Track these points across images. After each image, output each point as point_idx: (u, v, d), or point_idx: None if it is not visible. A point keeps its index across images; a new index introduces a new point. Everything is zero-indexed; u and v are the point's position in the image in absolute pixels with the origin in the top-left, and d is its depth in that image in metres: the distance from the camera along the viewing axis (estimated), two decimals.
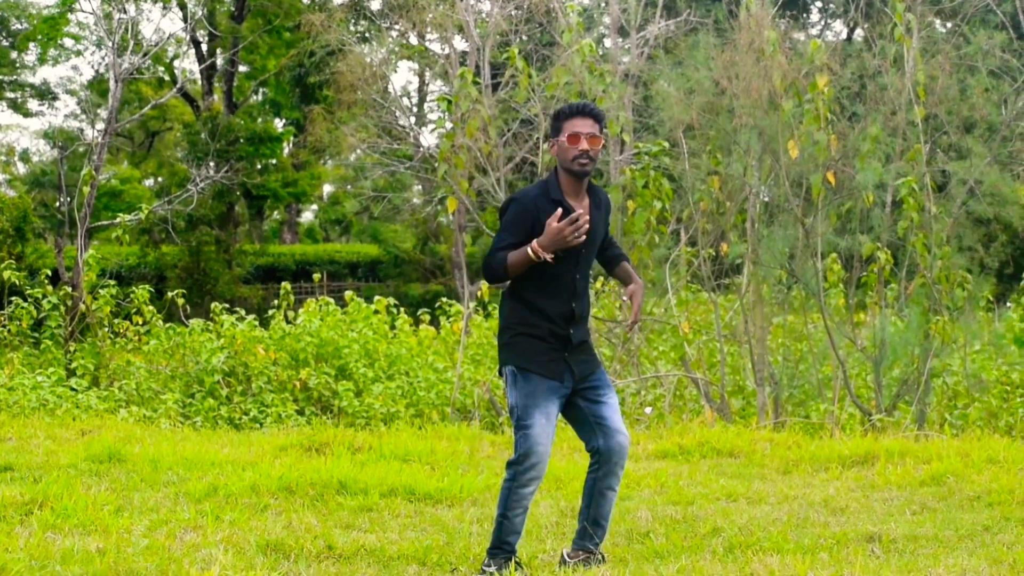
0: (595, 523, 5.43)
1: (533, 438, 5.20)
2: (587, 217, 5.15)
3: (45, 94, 37.92)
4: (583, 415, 5.37)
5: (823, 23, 39.45)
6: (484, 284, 15.76)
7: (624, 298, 5.42)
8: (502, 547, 5.32)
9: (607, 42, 29.89)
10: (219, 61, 36.00)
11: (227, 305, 16.48)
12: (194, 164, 30.02)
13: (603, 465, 5.34)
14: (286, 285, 17.16)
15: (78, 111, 40.24)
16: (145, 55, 17.08)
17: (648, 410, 11.73)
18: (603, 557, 5.51)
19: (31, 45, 34.83)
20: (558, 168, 5.37)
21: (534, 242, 5.11)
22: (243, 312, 15.45)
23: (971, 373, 12.96)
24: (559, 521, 6.57)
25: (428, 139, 32.06)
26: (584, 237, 5.13)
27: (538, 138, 13.30)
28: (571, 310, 5.31)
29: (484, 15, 25.68)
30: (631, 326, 5.44)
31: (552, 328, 5.29)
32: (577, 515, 5.65)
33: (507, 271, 5.20)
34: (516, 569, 5.32)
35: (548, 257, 5.09)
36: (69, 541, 5.49)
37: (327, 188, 46.65)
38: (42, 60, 35.58)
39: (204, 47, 35.89)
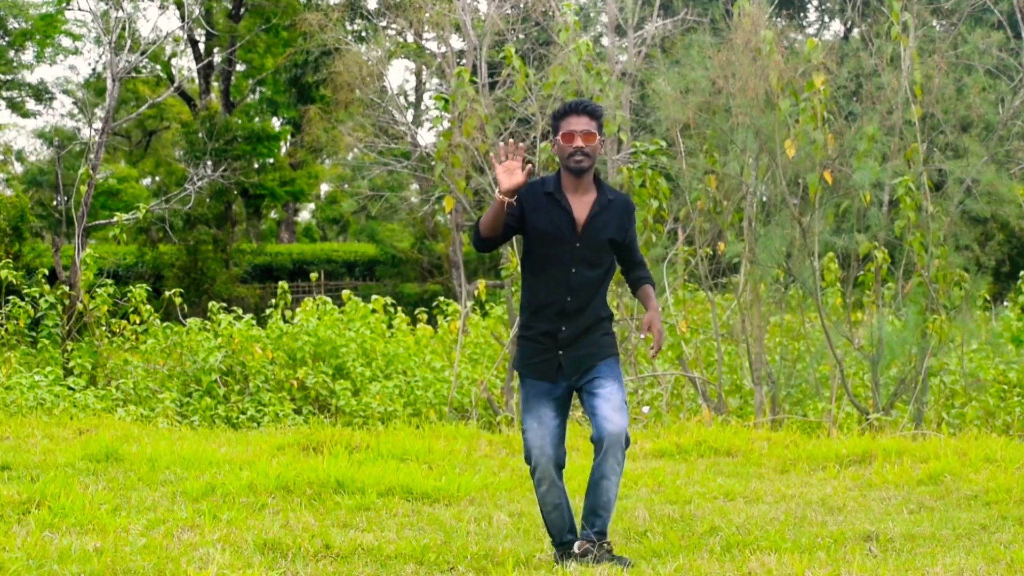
0: (592, 512, 5.42)
1: (527, 441, 5.43)
2: (521, 146, 5.28)
3: (42, 94, 37.86)
4: (585, 408, 5.49)
5: (820, 22, 39.47)
6: (481, 283, 15.76)
7: (643, 334, 5.48)
8: (553, 541, 5.55)
9: (604, 41, 29.89)
10: (216, 60, 35.96)
11: (224, 304, 16.49)
12: (191, 163, 30.02)
13: (597, 453, 5.38)
14: (283, 284, 17.17)
15: (75, 110, 40.21)
16: (142, 54, 17.08)
17: (645, 409, 11.74)
18: (608, 549, 5.43)
19: (28, 44, 34.76)
20: (561, 167, 5.51)
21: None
22: (240, 311, 15.45)
23: (968, 372, 12.98)
24: None
25: (425, 138, 32.06)
26: (520, 176, 5.18)
27: (535, 137, 13.29)
28: (564, 303, 5.40)
29: (481, 14, 25.67)
30: (654, 353, 5.47)
31: (546, 328, 5.44)
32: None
33: (481, 228, 5.38)
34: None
35: (506, 199, 5.24)
36: (67, 540, 5.48)
37: (324, 187, 46.61)
38: (39, 58, 35.52)
39: (201, 46, 35.86)
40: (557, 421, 5.42)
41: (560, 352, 5.42)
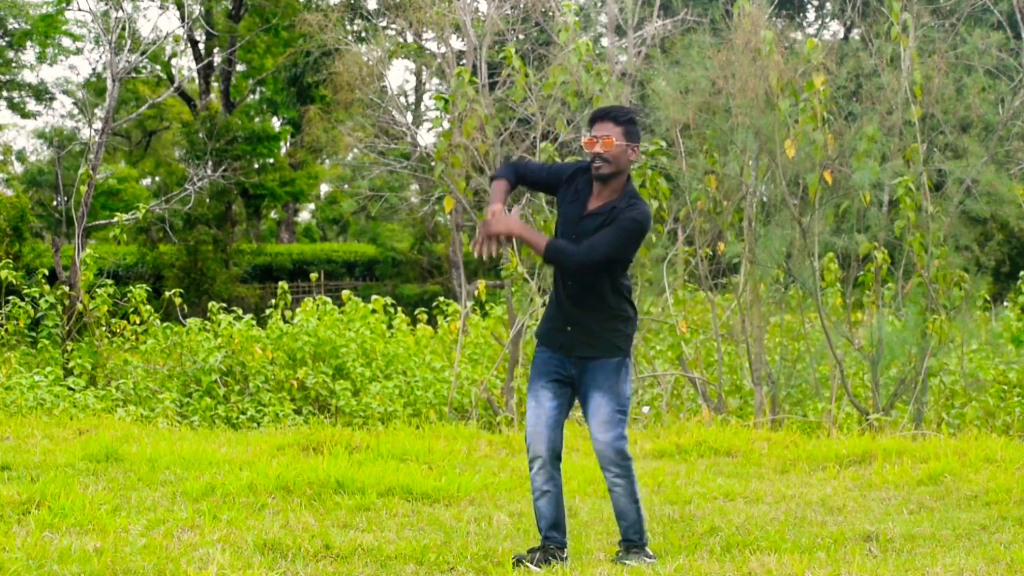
0: (618, 517, 5.60)
1: (527, 419, 5.55)
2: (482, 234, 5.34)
3: (42, 94, 37.88)
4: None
5: (820, 23, 39.48)
6: (481, 284, 15.76)
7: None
8: (539, 533, 5.59)
9: (604, 41, 29.91)
10: (216, 60, 35.97)
11: (224, 304, 16.48)
12: (191, 163, 30.02)
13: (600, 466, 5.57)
14: (283, 284, 17.16)
15: (75, 110, 40.21)
16: (142, 54, 17.08)
17: (646, 409, 11.74)
18: (633, 548, 5.57)
19: (28, 44, 34.80)
20: None
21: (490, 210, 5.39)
22: (240, 311, 15.45)
23: (968, 372, 12.97)
24: None
25: (425, 138, 32.07)
26: (486, 226, 5.27)
27: (535, 137, 13.28)
28: (565, 285, 5.50)
29: (481, 14, 25.67)
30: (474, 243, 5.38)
31: (558, 298, 5.57)
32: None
33: (494, 176, 5.60)
34: (542, 560, 5.44)
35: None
36: (66, 540, 5.48)
37: (324, 187, 46.63)
38: (40, 58, 35.56)
39: (201, 46, 35.87)
40: (554, 404, 5.49)
41: (568, 328, 5.49)
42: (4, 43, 34.44)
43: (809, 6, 39.22)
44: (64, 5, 33.40)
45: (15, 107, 38.07)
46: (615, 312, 5.48)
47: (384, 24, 33.70)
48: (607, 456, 5.42)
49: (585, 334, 5.45)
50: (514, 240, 5.37)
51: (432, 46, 32.20)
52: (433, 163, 12.92)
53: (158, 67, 34.95)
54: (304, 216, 50.62)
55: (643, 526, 5.58)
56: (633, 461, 5.49)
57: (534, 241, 5.37)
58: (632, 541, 5.57)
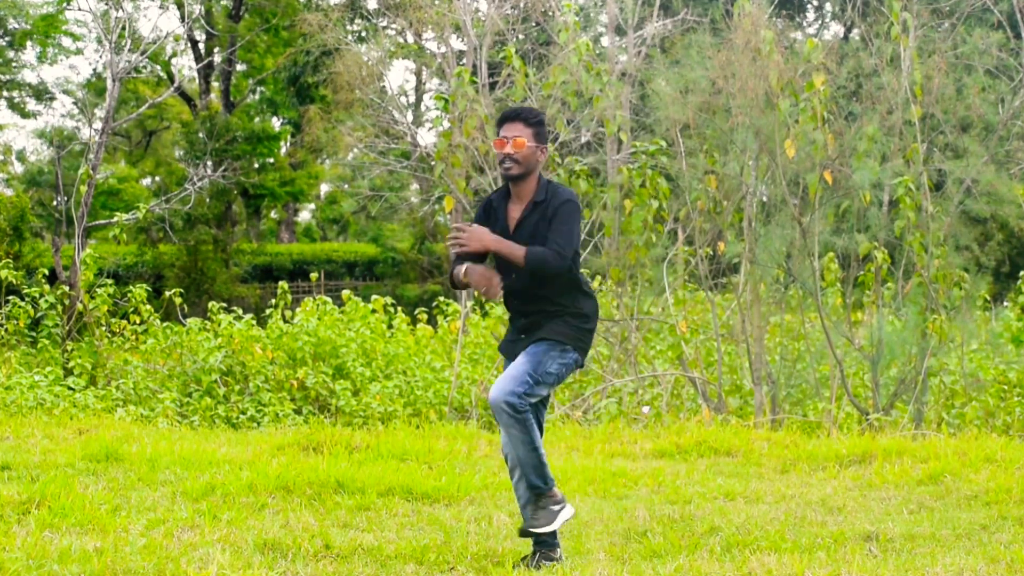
0: (520, 465, 5.49)
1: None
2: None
3: (42, 94, 37.89)
4: None
5: (820, 23, 39.49)
6: None
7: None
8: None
9: (604, 41, 29.93)
10: (216, 60, 35.98)
11: (224, 304, 16.48)
12: (192, 163, 30.05)
13: None
14: (283, 284, 17.15)
15: (75, 110, 40.21)
16: (142, 54, 17.08)
17: (646, 409, 11.74)
18: (540, 501, 5.53)
19: (28, 44, 34.82)
20: None
21: None
22: (240, 311, 15.44)
23: (968, 372, 12.97)
24: None
25: (425, 138, 32.09)
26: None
27: None
28: (513, 304, 5.56)
29: (481, 14, 25.69)
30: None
31: (514, 317, 5.63)
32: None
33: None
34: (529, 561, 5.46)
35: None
36: (66, 540, 5.48)
37: (324, 187, 46.64)
38: (40, 58, 35.56)
39: (201, 46, 35.88)
40: None
41: (522, 337, 5.51)
42: (4, 43, 34.43)
43: (809, 6, 39.23)
44: (64, 5, 33.41)
45: (15, 107, 38.07)
46: (568, 309, 5.44)
47: (384, 24, 33.73)
48: (495, 404, 5.26)
49: (531, 332, 5.46)
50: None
51: (432, 46, 32.22)
52: (433, 163, 12.93)
53: (158, 67, 34.95)
54: (304, 216, 50.65)
55: (546, 472, 5.44)
56: (528, 414, 5.29)
57: (512, 252, 5.29)
58: (537, 488, 5.42)
